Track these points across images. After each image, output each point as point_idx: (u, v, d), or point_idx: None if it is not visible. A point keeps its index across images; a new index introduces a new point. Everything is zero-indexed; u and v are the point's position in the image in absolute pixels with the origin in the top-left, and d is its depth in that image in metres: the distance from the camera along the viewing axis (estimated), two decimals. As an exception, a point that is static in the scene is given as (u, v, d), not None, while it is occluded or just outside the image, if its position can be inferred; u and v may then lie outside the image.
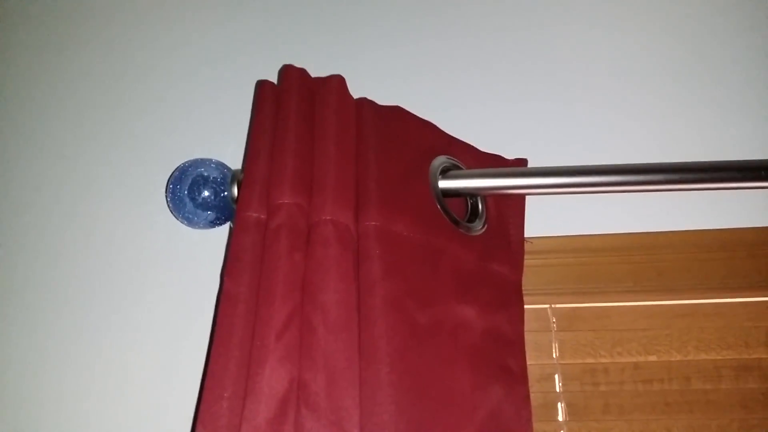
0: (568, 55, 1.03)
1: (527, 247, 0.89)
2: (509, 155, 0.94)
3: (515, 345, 0.80)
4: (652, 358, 0.89)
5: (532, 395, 0.80)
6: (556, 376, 0.88)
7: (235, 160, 0.97)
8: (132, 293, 0.95)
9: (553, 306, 0.91)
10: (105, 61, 1.07)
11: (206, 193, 0.83)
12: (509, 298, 0.83)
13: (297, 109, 0.77)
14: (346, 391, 0.63)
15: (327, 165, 0.74)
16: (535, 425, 0.79)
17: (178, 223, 0.93)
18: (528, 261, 0.88)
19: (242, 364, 0.64)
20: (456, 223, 0.83)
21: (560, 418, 0.87)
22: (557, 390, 0.88)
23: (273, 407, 0.62)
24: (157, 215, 0.98)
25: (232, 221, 0.87)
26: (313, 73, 0.82)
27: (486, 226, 0.86)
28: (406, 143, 0.84)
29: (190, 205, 0.83)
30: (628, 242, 0.91)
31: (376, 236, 0.72)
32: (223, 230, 0.95)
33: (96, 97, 1.05)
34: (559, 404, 0.87)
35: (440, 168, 0.86)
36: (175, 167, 0.89)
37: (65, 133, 1.04)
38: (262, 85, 0.81)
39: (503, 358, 0.78)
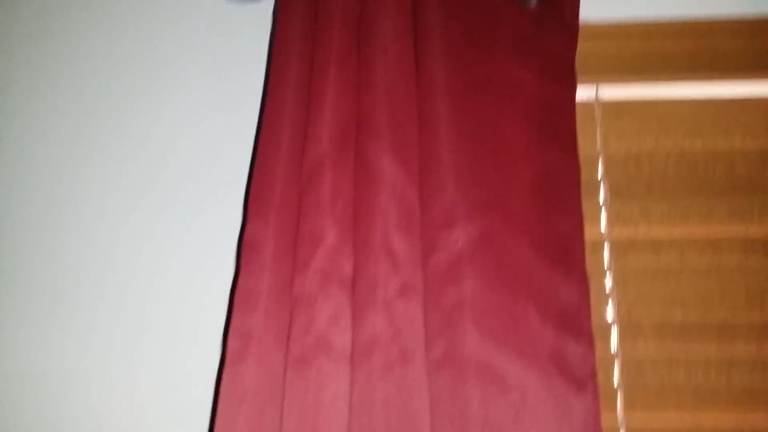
0: None
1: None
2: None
3: (566, 115, 0.80)
4: (698, 143, 0.90)
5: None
6: (599, 160, 0.90)
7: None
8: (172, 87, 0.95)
9: (599, 91, 0.91)
10: None
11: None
12: (562, 72, 0.82)
13: None
14: (406, 122, 0.66)
15: None
16: (576, 202, 0.82)
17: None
18: (578, 46, 0.88)
19: (300, 103, 0.68)
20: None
21: (602, 198, 0.90)
22: (599, 173, 0.90)
23: (336, 135, 0.66)
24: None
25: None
26: None
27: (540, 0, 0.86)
28: None
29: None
30: (679, 28, 0.90)
31: None
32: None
33: None
34: (601, 187, 0.90)
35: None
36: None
37: None
38: None
39: (555, 125, 0.79)
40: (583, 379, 0.71)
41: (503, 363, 0.67)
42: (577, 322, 0.73)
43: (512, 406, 0.66)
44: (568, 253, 0.76)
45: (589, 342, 0.73)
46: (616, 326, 0.85)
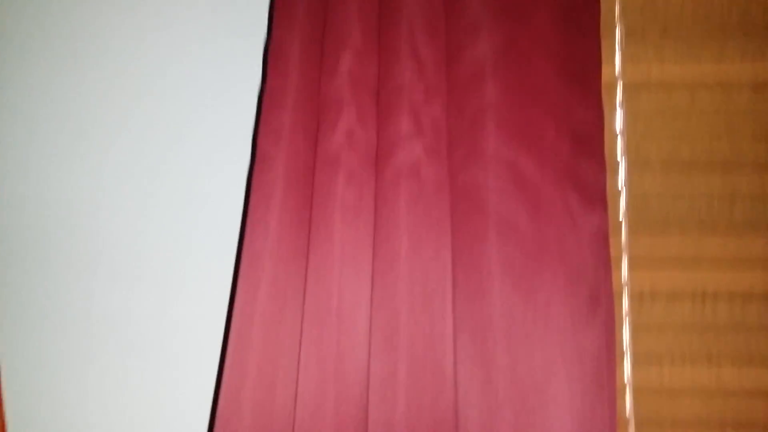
0: None
1: None
2: None
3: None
4: (715, -13, 0.91)
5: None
6: (616, 2, 0.91)
7: None
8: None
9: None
10: None
11: None
12: None
13: None
14: None
15: None
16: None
17: None
18: None
19: None
20: None
21: (617, 40, 0.91)
22: (615, 15, 0.91)
23: None
24: None
25: None
26: None
27: None
28: None
29: None
30: None
31: None
32: None
33: None
34: (616, 28, 0.91)
35: None
36: None
37: None
38: None
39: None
40: (593, 197, 0.75)
41: (522, 163, 0.70)
42: (590, 143, 0.75)
43: (528, 203, 0.69)
44: (585, 78, 0.77)
45: (601, 164, 0.76)
46: (624, 161, 0.88)
